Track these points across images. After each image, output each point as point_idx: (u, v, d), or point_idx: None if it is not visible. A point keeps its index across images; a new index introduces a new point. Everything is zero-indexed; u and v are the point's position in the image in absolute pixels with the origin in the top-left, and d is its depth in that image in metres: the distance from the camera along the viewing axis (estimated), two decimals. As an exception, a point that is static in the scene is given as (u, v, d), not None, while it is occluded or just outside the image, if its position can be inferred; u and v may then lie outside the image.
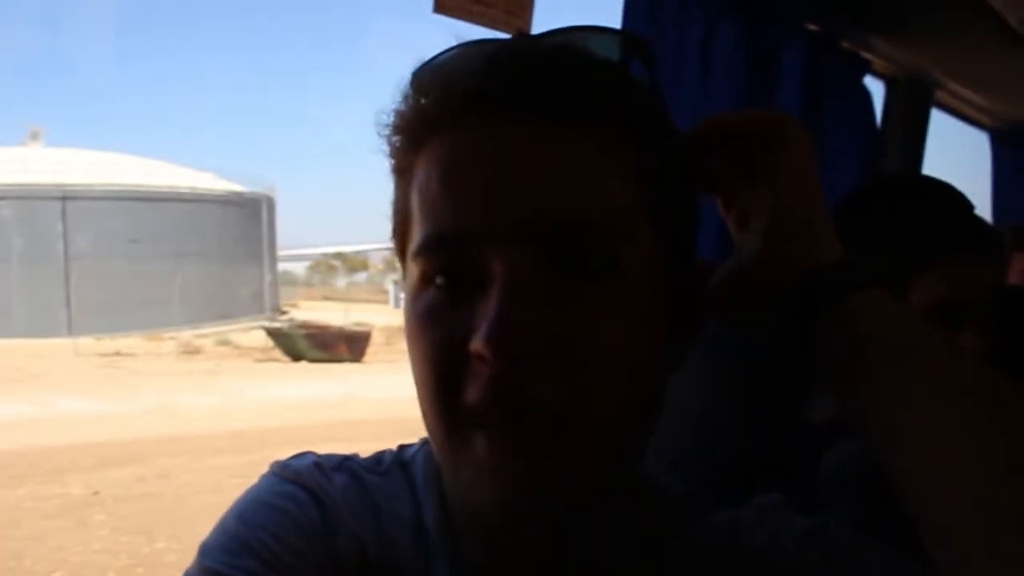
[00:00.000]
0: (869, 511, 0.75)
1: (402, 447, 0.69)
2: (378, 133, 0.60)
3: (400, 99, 0.60)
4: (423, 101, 0.58)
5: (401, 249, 0.61)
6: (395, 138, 0.60)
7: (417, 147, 0.58)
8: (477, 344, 0.51)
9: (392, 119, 0.60)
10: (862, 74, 1.90)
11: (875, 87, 2.03)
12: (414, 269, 0.57)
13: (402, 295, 0.63)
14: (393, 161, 0.60)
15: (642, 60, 0.60)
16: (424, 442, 0.67)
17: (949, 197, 1.15)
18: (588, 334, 0.53)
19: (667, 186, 0.58)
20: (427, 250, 0.55)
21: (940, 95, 2.26)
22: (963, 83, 2.24)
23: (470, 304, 0.54)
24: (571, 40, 0.59)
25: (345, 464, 0.66)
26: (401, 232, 0.60)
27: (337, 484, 0.63)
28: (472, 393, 0.53)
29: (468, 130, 0.55)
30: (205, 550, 0.59)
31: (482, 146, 0.55)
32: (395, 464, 0.67)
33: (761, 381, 0.79)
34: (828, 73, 1.76)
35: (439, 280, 0.55)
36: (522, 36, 0.60)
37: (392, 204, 0.62)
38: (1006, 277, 1.21)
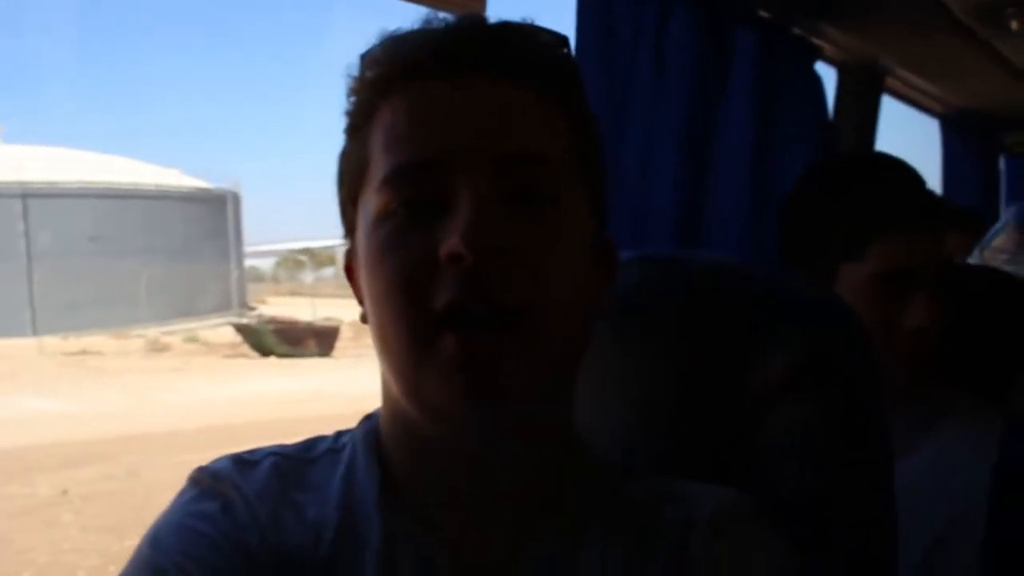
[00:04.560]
0: (811, 479, 0.78)
1: (339, 433, 0.72)
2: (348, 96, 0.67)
3: (361, 63, 0.67)
4: (387, 62, 0.65)
5: (352, 195, 0.67)
6: (356, 97, 0.67)
7: (381, 100, 0.65)
8: (453, 243, 0.58)
9: (355, 80, 0.67)
10: (813, 60, 1.92)
11: (828, 73, 2.06)
12: (376, 201, 0.63)
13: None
14: (353, 118, 0.67)
15: (569, 53, 0.70)
16: (362, 420, 0.71)
17: (901, 170, 1.19)
18: (539, 249, 0.61)
19: (590, 147, 0.68)
20: (395, 178, 0.62)
21: (891, 82, 2.30)
22: (912, 70, 2.28)
23: (433, 227, 0.60)
24: (518, 24, 0.68)
25: (270, 456, 0.68)
26: (356, 179, 0.66)
27: (255, 479, 0.66)
28: (442, 297, 0.59)
29: (434, 80, 0.63)
30: None
31: (447, 92, 0.63)
32: (328, 452, 0.70)
33: (698, 345, 0.81)
34: (780, 60, 1.79)
35: (402, 209, 0.62)
36: (475, 17, 0.69)
37: (343, 159, 0.68)
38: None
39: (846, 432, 0.79)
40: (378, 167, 0.63)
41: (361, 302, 0.67)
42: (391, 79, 0.64)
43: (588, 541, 0.67)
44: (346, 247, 0.70)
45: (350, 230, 0.68)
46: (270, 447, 0.70)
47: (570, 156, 0.65)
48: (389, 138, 0.63)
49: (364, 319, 0.66)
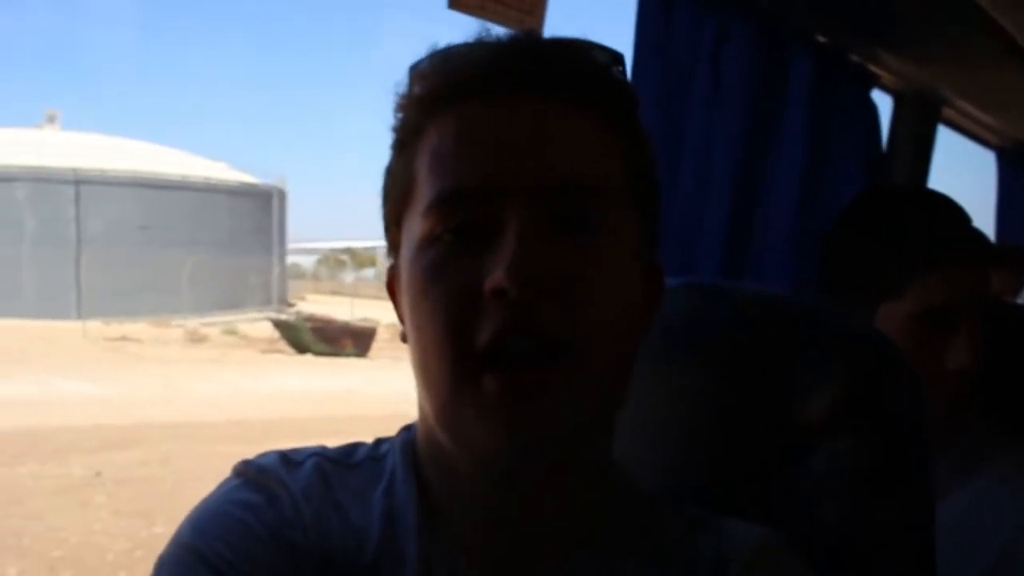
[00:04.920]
0: (852, 515, 0.77)
1: (379, 441, 0.71)
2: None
3: (409, 78, 0.66)
4: (434, 79, 0.64)
5: (396, 215, 0.66)
6: (403, 114, 0.65)
7: (428, 119, 0.63)
8: (498, 278, 0.56)
9: (402, 96, 0.66)
10: (869, 88, 1.90)
11: (883, 101, 2.04)
12: (421, 226, 0.62)
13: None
14: (400, 135, 0.66)
15: (623, 73, 0.68)
16: (401, 430, 0.71)
17: (944, 207, 1.17)
18: (585, 281, 0.60)
19: (642, 170, 0.66)
20: (441, 204, 0.60)
21: (948, 112, 2.25)
22: (971, 101, 2.24)
23: (478, 256, 0.59)
24: (572, 42, 0.66)
25: (312, 458, 0.68)
26: (402, 198, 0.65)
27: (300, 477, 0.66)
28: (486, 332, 0.58)
29: (483, 101, 0.62)
30: (160, 564, 0.62)
31: (496, 114, 0.61)
32: (368, 459, 0.69)
33: (741, 375, 0.80)
34: (835, 86, 1.77)
35: (447, 235, 0.60)
36: (528, 34, 0.69)
37: (388, 176, 0.67)
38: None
39: (889, 469, 0.77)
40: (424, 190, 0.62)
41: (402, 320, 0.66)
42: (439, 98, 0.63)
43: (622, 570, 0.66)
44: (389, 263, 0.69)
45: (393, 248, 0.67)
46: (312, 448, 0.69)
47: (622, 181, 0.64)
48: (435, 161, 0.62)
49: (404, 339, 0.65)
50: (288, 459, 0.67)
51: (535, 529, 0.64)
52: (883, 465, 0.77)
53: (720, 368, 0.81)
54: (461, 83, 0.62)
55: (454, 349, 0.59)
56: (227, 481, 0.67)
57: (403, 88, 0.66)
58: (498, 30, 0.67)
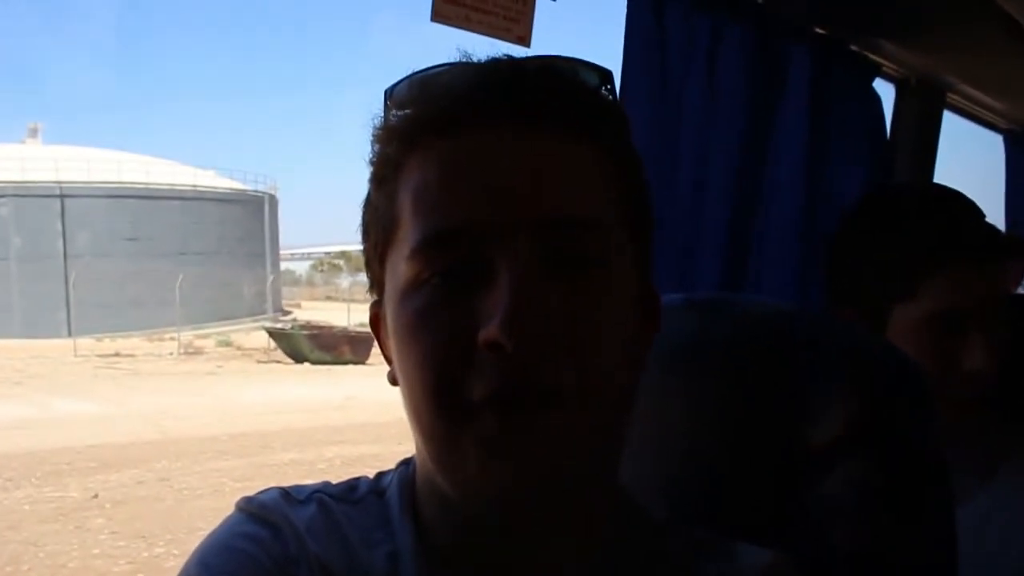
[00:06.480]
0: (868, 536, 0.74)
1: (380, 475, 0.70)
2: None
3: (386, 108, 0.62)
4: (413, 109, 0.60)
5: (379, 253, 0.62)
6: (381, 146, 0.62)
7: (408, 153, 0.60)
8: (492, 332, 0.53)
9: (379, 128, 0.62)
10: (871, 78, 1.86)
11: (886, 90, 2.01)
12: (407, 269, 0.58)
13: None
14: (378, 169, 0.62)
15: (613, 93, 0.65)
16: (399, 465, 0.69)
17: (958, 203, 1.14)
18: (585, 324, 0.57)
19: (636, 196, 0.63)
20: (427, 247, 0.57)
21: (952, 98, 2.22)
22: (976, 86, 2.21)
23: (468, 300, 0.56)
24: (558, 64, 0.63)
25: (314, 495, 0.67)
26: (384, 236, 0.61)
27: (304, 515, 0.65)
28: (480, 386, 0.55)
29: (467, 134, 0.58)
30: None
31: (481, 148, 0.58)
32: (371, 493, 0.68)
33: (745, 392, 0.78)
34: (836, 77, 1.73)
35: (435, 279, 0.57)
36: (511, 57, 0.63)
37: (368, 210, 0.64)
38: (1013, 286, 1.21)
39: (905, 488, 0.75)
40: (408, 231, 0.59)
41: (389, 361, 0.64)
42: (418, 130, 0.59)
43: None
44: (372, 300, 0.66)
45: (377, 285, 0.64)
46: (314, 486, 0.68)
47: (616, 210, 0.61)
48: (419, 200, 0.59)
49: (393, 381, 0.63)
50: (290, 496, 0.66)
51: (536, 565, 0.63)
52: (898, 484, 0.75)
53: (723, 388, 0.79)
54: (442, 114, 0.59)
55: (447, 401, 0.56)
56: (231, 517, 0.66)
57: (378, 118, 0.63)
58: (480, 49, 0.62)
